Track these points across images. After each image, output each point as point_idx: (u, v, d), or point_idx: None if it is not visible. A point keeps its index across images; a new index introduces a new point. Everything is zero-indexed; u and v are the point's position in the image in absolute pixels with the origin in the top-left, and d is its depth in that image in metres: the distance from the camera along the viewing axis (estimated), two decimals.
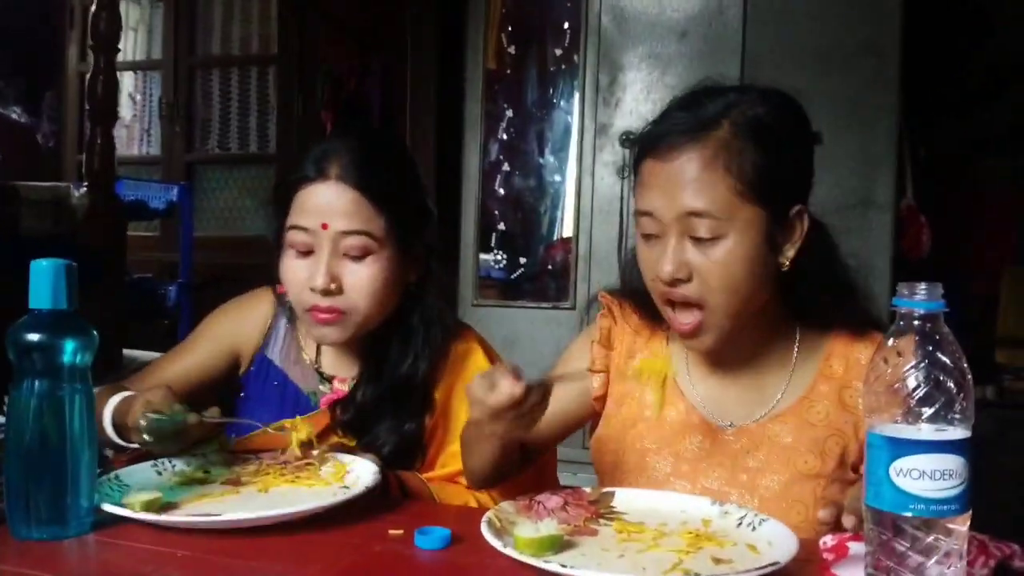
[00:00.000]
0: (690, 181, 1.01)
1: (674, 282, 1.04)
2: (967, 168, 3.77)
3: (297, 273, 1.20)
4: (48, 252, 0.95)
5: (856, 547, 0.84)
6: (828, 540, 0.88)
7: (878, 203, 3.02)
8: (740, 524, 0.97)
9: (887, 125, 3.03)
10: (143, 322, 3.40)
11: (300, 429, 1.15)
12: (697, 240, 1.02)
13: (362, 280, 1.18)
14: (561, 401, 1.19)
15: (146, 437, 1.06)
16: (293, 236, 1.19)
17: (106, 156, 2.81)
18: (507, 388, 0.96)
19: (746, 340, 1.11)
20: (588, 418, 1.23)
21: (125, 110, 4.63)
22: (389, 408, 1.23)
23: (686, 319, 1.06)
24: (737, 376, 1.14)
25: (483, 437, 1.06)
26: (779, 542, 0.90)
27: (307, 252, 1.19)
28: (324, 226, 1.17)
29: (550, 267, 3.56)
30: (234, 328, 1.33)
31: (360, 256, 1.18)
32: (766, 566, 0.82)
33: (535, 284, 3.60)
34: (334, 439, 1.24)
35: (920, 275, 0.78)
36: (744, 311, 1.06)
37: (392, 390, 1.23)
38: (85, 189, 2.76)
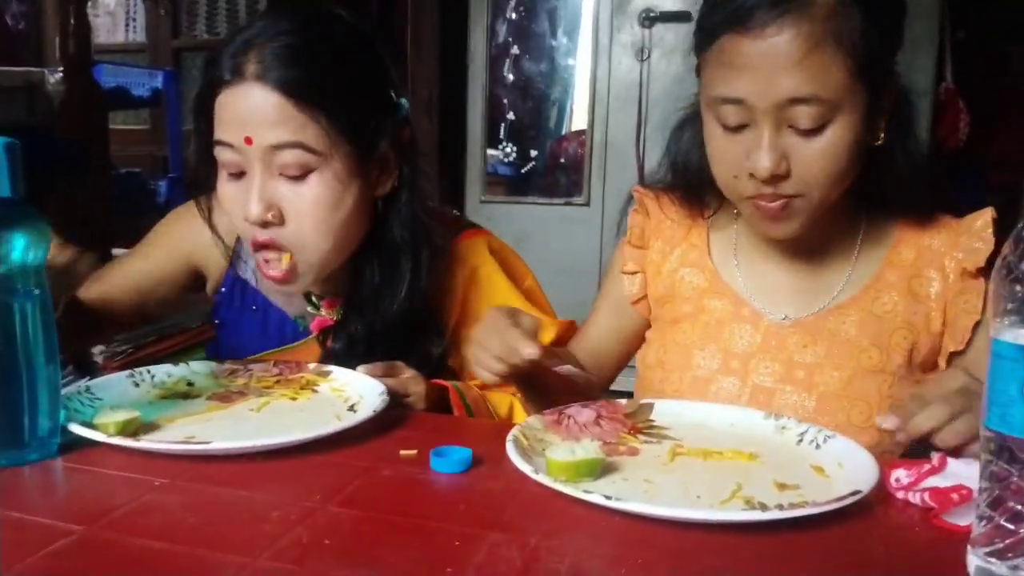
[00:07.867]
0: (795, 62, 0.86)
1: (771, 178, 0.90)
2: (1009, 53, 3.53)
3: (232, 200, 0.99)
4: (23, 143, 0.79)
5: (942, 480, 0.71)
6: (902, 476, 0.75)
7: (916, 88, 2.80)
8: (801, 441, 0.86)
9: (927, 5, 2.84)
10: (133, 218, 3.26)
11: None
12: (797, 129, 0.89)
13: (305, 205, 0.97)
14: (603, 326, 1.15)
15: None
16: (220, 154, 0.98)
17: (82, 38, 2.60)
18: (524, 351, 0.84)
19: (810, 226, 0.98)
20: (644, 328, 1.15)
21: None
22: (386, 337, 1.06)
23: (775, 201, 0.93)
24: (792, 266, 1.04)
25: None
26: (853, 464, 0.78)
27: (240, 173, 0.98)
28: (248, 140, 0.94)
29: (562, 161, 3.37)
30: (190, 236, 1.14)
31: (299, 176, 0.96)
32: (847, 496, 0.70)
33: (546, 179, 3.43)
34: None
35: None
36: (836, 197, 0.95)
37: (385, 322, 1.06)
38: (60, 74, 2.57)
